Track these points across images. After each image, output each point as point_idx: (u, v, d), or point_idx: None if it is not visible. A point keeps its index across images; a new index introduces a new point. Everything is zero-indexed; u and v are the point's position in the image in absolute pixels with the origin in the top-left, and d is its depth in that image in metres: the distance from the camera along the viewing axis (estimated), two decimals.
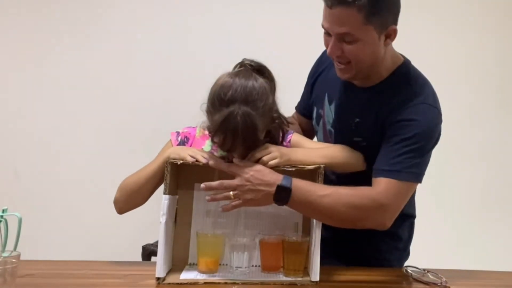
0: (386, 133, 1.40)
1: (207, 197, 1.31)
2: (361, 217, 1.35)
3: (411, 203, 1.59)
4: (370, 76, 1.45)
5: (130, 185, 1.42)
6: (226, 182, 1.30)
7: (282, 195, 1.29)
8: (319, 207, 1.31)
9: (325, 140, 1.58)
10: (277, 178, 1.29)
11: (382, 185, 1.35)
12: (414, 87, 1.43)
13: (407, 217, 1.59)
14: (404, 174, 1.36)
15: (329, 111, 1.55)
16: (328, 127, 1.56)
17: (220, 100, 1.30)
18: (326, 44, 1.40)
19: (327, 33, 1.38)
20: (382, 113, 1.42)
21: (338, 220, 1.35)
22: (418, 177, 1.39)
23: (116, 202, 1.44)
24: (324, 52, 1.62)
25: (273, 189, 1.28)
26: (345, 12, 1.30)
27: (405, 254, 1.65)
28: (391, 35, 1.38)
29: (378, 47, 1.37)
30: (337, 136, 1.53)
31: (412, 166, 1.37)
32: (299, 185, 1.30)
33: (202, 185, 1.31)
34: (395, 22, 1.37)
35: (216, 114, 1.30)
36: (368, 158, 1.44)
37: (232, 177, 1.31)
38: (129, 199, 1.43)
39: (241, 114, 1.27)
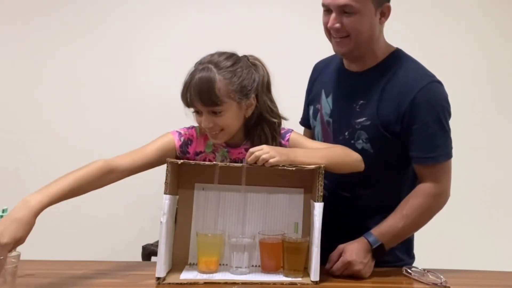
0: (411, 115, 1.46)
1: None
2: (434, 212, 1.51)
3: None
4: (366, 57, 1.53)
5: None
6: (336, 266, 1.41)
7: (380, 251, 1.44)
8: (405, 233, 1.50)
9: (323, 130, 1.62)
10: (365, 243, 1.43)
11: (431, 174, 1.48)
12: (415, 66, 1.53)
13: None
14: (445, 155, 1.49)
15: (326, 104, 1.61)
16: (326, 118, 1.61)
17: (196, 63, 1.40)
18: (324, 23, 1.49)
19: (327, 11, 1.47)
20: (390, 91, 1.49)
21: (422, 226, 1.51)
22: (451, 152, 1.51)
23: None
24: (316, 64, 1.77)
25: (370, 251, 1.42)
26: None
27: (403, 257, 1.60)
28: (385, 13, 1.49)
29: (374, 22, 1.47)
30: (336, 124, 1.58)
31: (447, 144, 1.50)
32: (381, 232, 1.44)
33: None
34: None
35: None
36: (369, 135, 1.51)
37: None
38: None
39: (200, 69, 1.37)
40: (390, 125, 1.49)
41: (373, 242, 1.43)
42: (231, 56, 1.42)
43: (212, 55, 1.42)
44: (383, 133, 1.50)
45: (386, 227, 1.45)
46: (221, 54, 1.41)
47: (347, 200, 1.57)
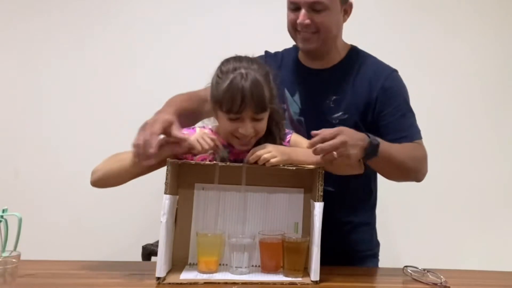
0: (382, 101, 1.53)
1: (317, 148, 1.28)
2: (417, 168, 1.49)
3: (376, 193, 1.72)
4: (330, 53, 1.59)
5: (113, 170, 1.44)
6: (330, 142, 1.28)
7: (374, 147, 1.35)
8: (394, 161, 1.42)
9: (296, 130, 1.61)
10: (363, 135, 1.34)
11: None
12: (375, 59, 1.62)
13: (374, 207, 1.72)
14: (417, 133, 1.55)
15: (293, 102, 1.63)
16: (296, 117, 1.63)
17: (225, 69, 1.36)
18: (291, 20, 1.52)
19: (294, 9, 1.51)
20: (360, 83, 1.56)
21: (403, 172, 1.47)
22: (420, 132, 1.56)
23: (97, 176, 1.45)
24: (270, 55, 1.72)
25: (365, 143, 1.33)
26: None
27: (376, 243, 1.71)
28: (347, 10, 1.56)
29: (340, 19, 1.55)
30: (309, 121, 1.60)
31: (416, 124, 1.56)
32: (380, 139, 1.38)
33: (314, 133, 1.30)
34: None
35: (222, 82, 1.34)
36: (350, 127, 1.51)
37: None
38: (109, 183, 1.44)
39: (245, 73, 1.33)
40: (363, 115, 1.55)
41: (373, 138, 1.35)
42: (257, 62, 1.40)
43: (240, 60, 1.38)
44: (360, 125, 1.53)
45: (384, 143, 1.39)
46: (249, 60, 1.38)
47: (332, 195, 1.57)
